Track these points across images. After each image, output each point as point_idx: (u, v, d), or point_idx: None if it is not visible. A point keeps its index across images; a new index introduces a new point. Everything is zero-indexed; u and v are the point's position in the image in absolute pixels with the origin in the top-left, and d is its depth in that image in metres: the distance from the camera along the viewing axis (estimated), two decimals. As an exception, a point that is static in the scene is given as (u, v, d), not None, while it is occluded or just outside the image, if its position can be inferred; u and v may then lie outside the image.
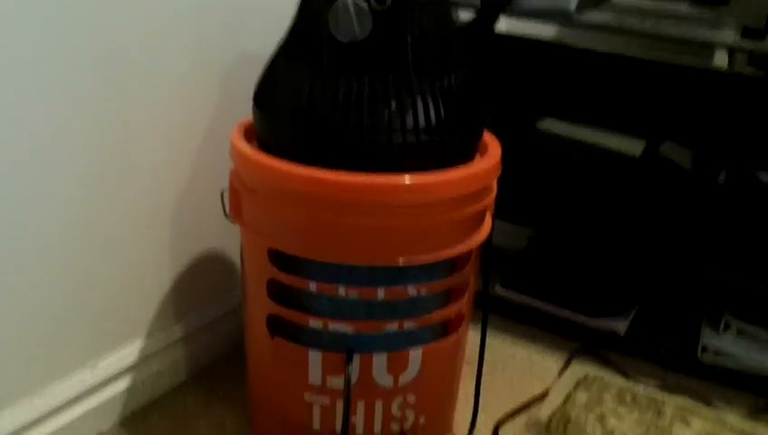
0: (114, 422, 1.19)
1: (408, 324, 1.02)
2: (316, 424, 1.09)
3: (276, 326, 1.07)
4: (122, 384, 1.19)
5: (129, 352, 1.20)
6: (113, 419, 1.19)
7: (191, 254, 1.26)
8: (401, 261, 0.97)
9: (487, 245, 1.08)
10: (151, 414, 1.21)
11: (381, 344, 1.04)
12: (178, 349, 1.27)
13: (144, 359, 1.22)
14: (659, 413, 1.23)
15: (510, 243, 1.68)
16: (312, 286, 1.00)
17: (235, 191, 1.04)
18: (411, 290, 1.01)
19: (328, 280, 1.00)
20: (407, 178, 0.93)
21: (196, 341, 1.30)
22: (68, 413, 1.12)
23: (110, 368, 1.17)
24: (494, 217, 1.10)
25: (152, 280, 1.21)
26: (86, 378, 1.14)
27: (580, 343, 1.44)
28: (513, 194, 1.50)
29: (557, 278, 1.51)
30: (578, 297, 1.47)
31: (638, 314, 1.45)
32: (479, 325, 1.16)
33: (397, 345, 1.04)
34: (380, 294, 1.00)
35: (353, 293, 1.00)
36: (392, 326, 1.02)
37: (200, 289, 1.29)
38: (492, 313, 1.52)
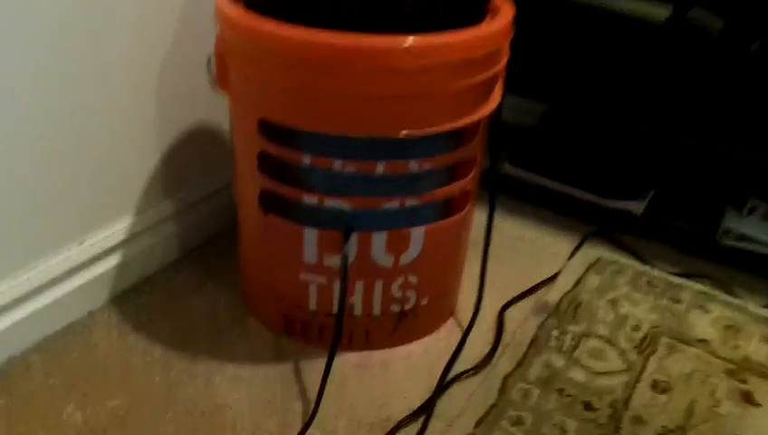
0: (105, 300, 1.14)
1: (410, 202, 0.95)
2: (312, 304, 1.04)
3: (269, 203, 1.00)
4: (112, 261, 1.14)
5: (119, 228, 1.14)
6: (104, 296, 1.14)
7: (179, 126, 1.18)
8: (402, 133, 0.89)
9: (496, 117, 1.00)
10: (142, 292, 1.16)
11: (381, 223, 0.97)
12: (169, 225, 1.21)
13: (134, 236, 1.16)
14: (676, 299, 1.17)
15: (521, 119, 1.58)
16: (306, 160, 0.93)
17: (221, 58, 0.95)
18: (413, 165, 0.93)
19: (322, 153, 0.92)
20: (408, 40, 0.84)
21: (187, 217, 1.24)
22: (56, 290, 1.07)
23: (99, 245, 1.11)
24: (506, 89, 1.01)
25: (139, 154, 1.13)
26: (73, 254, 1.08)
27: (593, 225, 1.36)
28: (526, 65, 1.39)
29: (570, 156, 1.43)
30: (592, 177, 1.39)
31: (656, 195, 1.37)
32: (486, 205, 1.09)
33: (397, 224, 0.97)
34: (379, 168, 0.92)
35: (350, 167, 0.92)
36: (392, 204, 0.95)
37: (190, 163, 1.22)
38: (500, 192, 1.44)
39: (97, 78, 1.02)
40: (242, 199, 1.04)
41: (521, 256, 1.28)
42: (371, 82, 0.85)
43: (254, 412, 0.96)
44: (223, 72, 0.96)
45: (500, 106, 1.00)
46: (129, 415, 0.94)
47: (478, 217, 1.10)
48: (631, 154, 1.42)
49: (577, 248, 1.30)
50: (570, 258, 1.27)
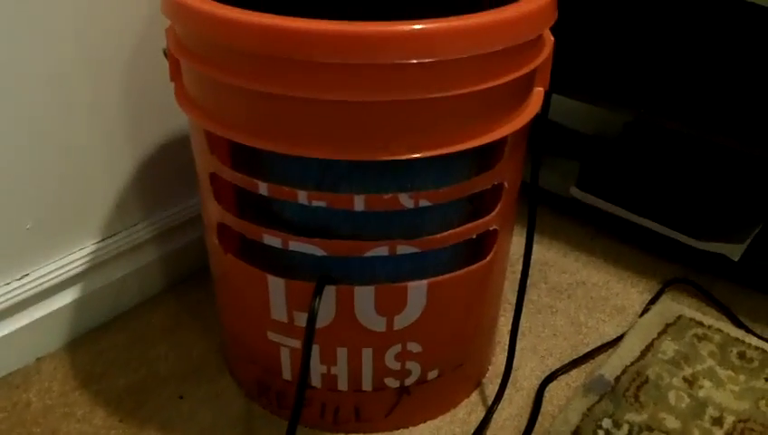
0: (59, 344, 0.94)
1: (403, 248, 0.71)
2: (287, 372, 0.81)
3: (228, 240, 0.77)
4: (68, 296, 0.94)
5: (78, 257, 0.94)
6: (57, 339, 0.94)
7: (156, 136, 0.97)
8: (387, 153, 0.64)
9: (538, 130, 0.74)
10: (106, 335, 0.97)
11: (365, 273, 0.73)
12: (145, 254, 1.01)
13: (98, 265, 0.96)
14: (778, 381, 0.88)
15: (598, 130, 1.30)
16: (263, 188, 0.70)
17: (172, 55, 0.73)
18: (404, 199, 0.68)
19: (283, 180, 0.69)
20: (403, 27, 0.59)
21: (167, 244, 1.03)
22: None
23: (51, 276, 0.92)
24: (552, 90, 0.75)
25: (106, 167, 0.93)
26: (15, 288, 0.89)
27: (677, 270, 1.08)
28: (606, 64, 1.11)
29: (653, 182, 1.14)
30: (680, 209, 1.10)
31: (760, 236, 1.07)
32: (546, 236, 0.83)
33: (387, 276, 0.73)
34: (358, 202, 0.68)
35: (319, 200, 0.68)
36: (379, 249, 0.70)
37: (171, 179, 1.01)
38: (563, 222, 1.17)
39: (49, 83, 0.83)
40: (206, 232, 0.82)
41: (577, 309, 1.01)
42: (347, 84, 0.61)
43: None
44: (175, 71, 0.74)
45: (542, 115, 0.74)
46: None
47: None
48: (733, 183, 1.12)
49: (653, 301, 1.02)
50: (641, 315, 0.99)
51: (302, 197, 0.68)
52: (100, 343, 0.95)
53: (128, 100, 0.92)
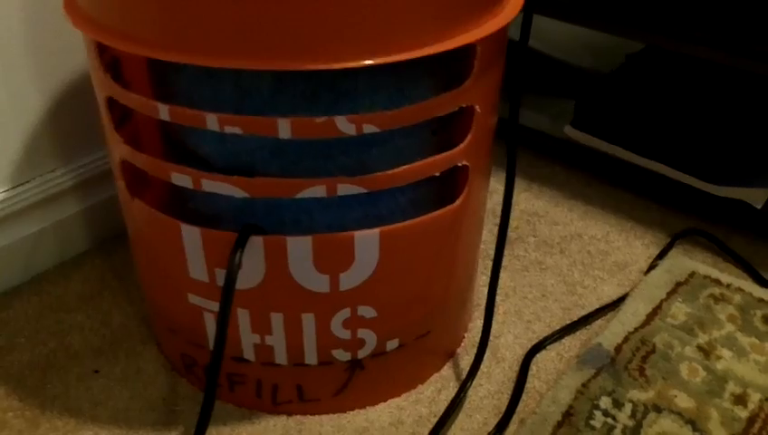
0: (-40, 310, 0.80)
1: (345, 187, 0.55)
2: (212, 341, 0.66)
3: (134, 181, 0.62)
4: (-29, 255, 0.80)
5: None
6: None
7: (64, 73, 0.82)
8: (319, 62, 0.49)
9: (520, 41, 0.59)
10: (15, 300, 0.82)
11: (298, 221, 0.58)
12: (64, 205, 0.86)
13: (6, 218, 0.81)
14: (811, 350, 0.73)
15: (597, 62, 1.14)
16: (164, 112, 0.54)
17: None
18: (343, 124, 0.53)
19: (189, 101, 0.54)
20: None
21: (91, 193, 0.88)
22: None
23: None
24: (543, 11, 0.59)
25: (9, 106, 0.78)
26: None
27: (688, 220, 0.92)
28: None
29: (662, 119, 0.98)
30: (691, 150, 0.94)
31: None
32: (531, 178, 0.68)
33: (328, 224, 0.58)
34: (284, 128, 0.52)
35: (233, 125, 0.53)
36: (314, 189, 0.55)
37: (90, 121, 0.86)
38: (557, 165, 1.02)
39: None
40: (113, 172, 0.67)
41: (572, 266, 0.86)
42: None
43: None
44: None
45: (526, 19, 0.59)
46: None
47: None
48: (753, 120, 0.96)
49: (660, 256, 0.87)
50: (647, 272, 0.84)
51: (211, 122, 0.53)
52: (8, 310, 0.81)
53: (29, 33, 0.76)
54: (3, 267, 0.83)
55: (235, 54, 0.49)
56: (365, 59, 0.49)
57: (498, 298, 0.80)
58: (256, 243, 0.58)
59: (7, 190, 0.82)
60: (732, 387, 0.69)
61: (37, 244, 0.85)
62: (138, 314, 0.79)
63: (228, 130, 0.53)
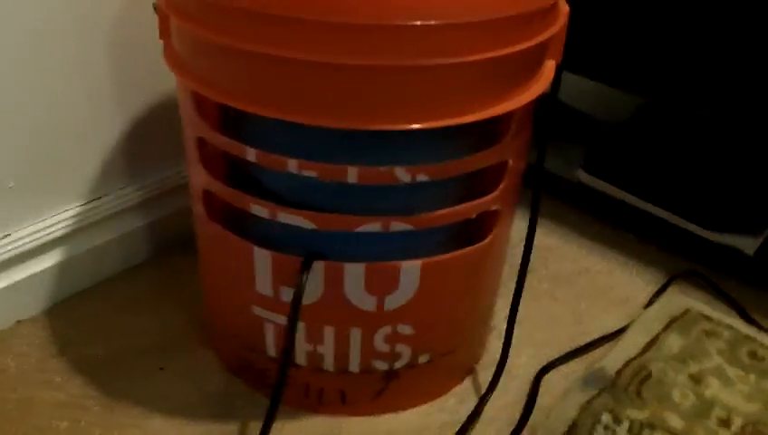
0: (38, 308, 0.91)
1: (397, 225, 0.66)
2: (271, 349, 0.77)
3: (213, 208, 0.73)
4: (50, 260, 0.91)
5: (60, 219, 0.90)
6: (37, 304, 0.91)
7: (146, 96, 0.93)
8: (383, 123, 0.60)
9: (547, 106, 0.70)
10: (85, 302, 0.93)
11: (356, 250, 0.69)
12: (130, 219, 0.97)
13: (81, 230, 0.92)
14: (787, 383, 0.83)
15: (608, 113, 1.25)
16: (251, 154, 0.65)
17: (162, 11, 0.69)
18: (401, 173, 0.64)
19: (272, 147, 0.65)
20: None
21: (154, 210, 0.99)
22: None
23: (32, 238, 0.88)
24: (563, 66, 0.70)
25: (91, 129, 0.89)
26: (-3, 248, 0.86)
27: (686, 262, 1.03)
28: (618, 44, 1.06)
29: (666, 168, 1.09)
30: (692, 198, 1.05)
31: (777, 229, 1.02)
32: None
33: (379, 254, 0.69)
34: (352, 174, 0.63)
35: (310, 169, 0.64)
36: (371, 226, 0.66)
37: (160, 143, 0.97)
38: (568, 208, 1.12)
39: (34, 38, 0.79)
40: (192, 198, 0.78)
41: (579, 298, 0.96)
42: (345, 46, 0.56)
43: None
44: (165, 28, 0.69)
45: (553, 90, 0.69)
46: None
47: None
48: (749, 173, 1.07)
49: (659, 293, 0.97)
50: (646, 307, 0.95)
51: (292, 165, 0.64)
52: (81, 310, 0.91)
53: (116, 57, 0.87)
54: (74, 274, 0.93)
55: (320, 114, 0.60)
56: (419, 122, 0.60)
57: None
58: (317, 267, 0.69)
59: (83, 205, 0.92)
60: (718, 411, 0.79)
61: (104, 253, 0.96)
62: (194, 318, 0.90)
63: (305, 173, 0.64)
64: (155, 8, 0.71)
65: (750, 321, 0.93)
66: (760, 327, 0.91)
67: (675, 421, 0.77)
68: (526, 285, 0.95)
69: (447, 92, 0.60)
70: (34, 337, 0.87)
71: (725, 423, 0.78)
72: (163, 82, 0.93)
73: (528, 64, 0.65)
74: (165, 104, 0.94)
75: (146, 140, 0.95)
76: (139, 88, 0.91)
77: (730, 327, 0.90)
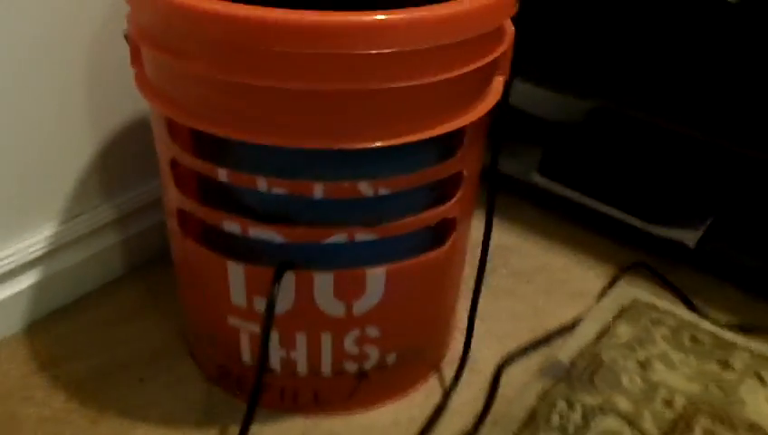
0: (18, 327, 0.94)
1: (362, 235, 0.71)
2: (246, 356, 0.81)
3: (187, 225, 0.77)
4: (29, 279, 0.94)
5: (38, 239, 0.93)
6: (17, 322, 0.94)
7: (121, 117, 0.97)
8: (347, 142, 0.65)
9: (498, 118, 0.75)
10: (66, 318, 0.96)
11: (324, 260, 0.74)
12: (106, 236, 1.01)
13: (59, 248, 0.96)
14: (726, 364, 0.90)
15: (560, 117, 1.31)
16: (222, 175, 0.70)
17: (133, 41, 0.73)
18: (364, 187, 0.69)
19: (242, 167, 0.69)
20: (365, 18, 0.60)
21: (130, 226, 1.03)
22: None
23: (11, 259, 0.91)
24: (516, 75, 0.76)
25: (67, 149, 0.93)
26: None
27: (635, 255, 1.10)
28: (570, 52, 1.13)
29: (614, 168, 1.15)
30: (638, 195, 1.12)
31: (716, 223, 1.09)
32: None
33: (346, 262, 0.74)
34: (318, 190, 0.68)
35: (279, 187, 0.69)
36: (338, 237, 0.71)
37: (135, 161, 1.01)
38: (525, 207, 1.19)
39: (8, 65, 0.82)
40: (167, 214, 0.82)
41: (537, 293, 1.02)
42: (309, 74, 0.61)
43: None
44: (136, 56, 0.74)
45: (503, 104, 0.75)
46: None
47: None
48: (689, 170, 1.14)
49: (611, 285, 1.04)
50: (599, 299, 1.01)
51: (261, 184, 0.69)
52: (61, 327, 0.95)
53: (89, 82, 0.91)
54: (54, 291, 0.97)
55: (288, 136, 0.65)
56: (378, 141, 0.65)
57: (476, 320, 0.96)
58: (289, 277, 0.74)
59: (59, 225, 0.96)
60: (663, 393, 0.85)
61: (82, 270, 0.99)
62: (173, 330, 0.94)
63: (274, 190, 0.69)
64: (126, 38, 0.75)
65: (692, 308, 0.99)
66: (701, 313, 0.98)
67: (624, 405, 0.84)
68: (488, 282, 1.01)
69: (405, 112, 0.66)
70: (16, 354, 0.90)
71: (670, 404, 0.84)
72: (136, 101, 0.97)
73: (478, 82, 0.71)
74: (138, 122, 0.98)
75: (120, 158, 0.98)
76: (111, 108, 0.95)
77: (674, 315, 0.97)
